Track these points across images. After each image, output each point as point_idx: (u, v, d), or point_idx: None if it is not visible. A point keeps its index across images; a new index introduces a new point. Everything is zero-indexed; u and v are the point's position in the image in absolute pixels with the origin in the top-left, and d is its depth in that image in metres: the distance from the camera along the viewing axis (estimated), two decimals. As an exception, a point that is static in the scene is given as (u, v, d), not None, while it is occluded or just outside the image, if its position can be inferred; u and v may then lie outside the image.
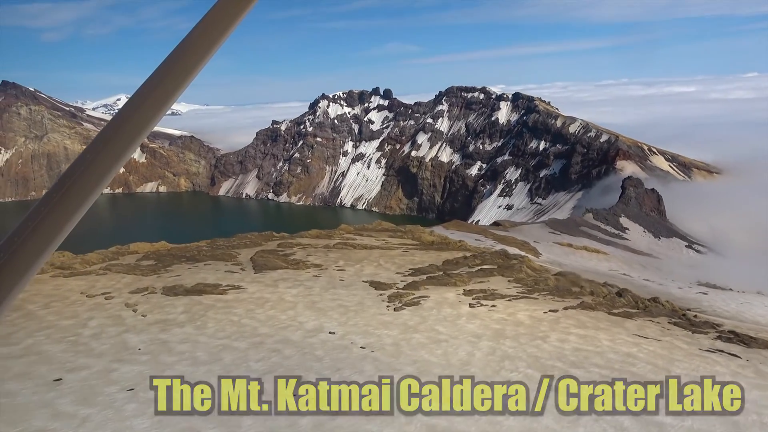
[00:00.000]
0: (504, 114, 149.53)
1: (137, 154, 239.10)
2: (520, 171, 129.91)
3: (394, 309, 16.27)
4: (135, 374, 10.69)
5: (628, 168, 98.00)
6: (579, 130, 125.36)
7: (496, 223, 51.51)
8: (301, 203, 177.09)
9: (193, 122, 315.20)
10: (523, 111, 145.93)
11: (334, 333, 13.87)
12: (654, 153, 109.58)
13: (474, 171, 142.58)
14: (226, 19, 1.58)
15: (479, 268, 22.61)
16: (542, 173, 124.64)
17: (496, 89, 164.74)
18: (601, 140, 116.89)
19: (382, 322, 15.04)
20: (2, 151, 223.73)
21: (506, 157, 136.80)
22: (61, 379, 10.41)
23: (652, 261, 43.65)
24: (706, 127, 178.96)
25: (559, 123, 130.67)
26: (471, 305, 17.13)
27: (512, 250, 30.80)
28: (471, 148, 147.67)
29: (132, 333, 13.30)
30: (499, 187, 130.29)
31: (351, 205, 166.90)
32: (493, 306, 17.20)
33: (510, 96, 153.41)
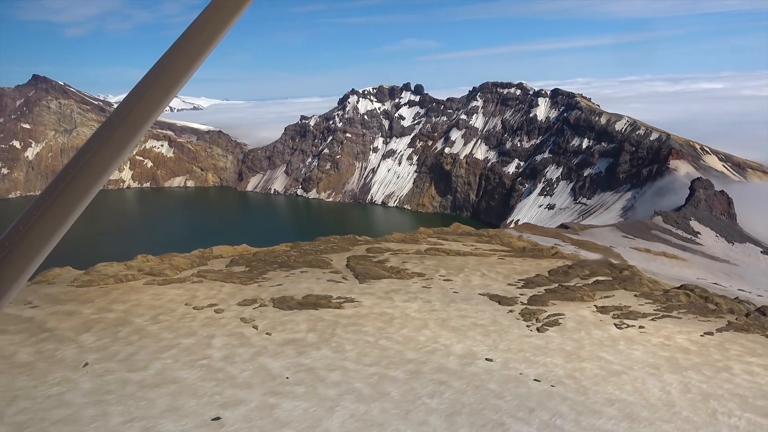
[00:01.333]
0: (543, 110, 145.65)
1: (165, 149, 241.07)
2: (561, 169, 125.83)
3: (537, 330, 14.54)
4: (302, 413, 9.15)
5: (682, 168, 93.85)
6: (626, 128, 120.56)
7: (563, 226, 49.25)
8: (330, 200, 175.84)
9: (215, 117, 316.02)
10: (563, 107, 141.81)
11: (491, 360, 12.22)
12: (707, 152, 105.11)
13: (511, 169, 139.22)
14: (223, 15, 1.62)
15: (594, 279, 20.71)
16: (586, 172, 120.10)
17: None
18: (651, 138, 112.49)
19: (535, 346, 13.32)
20: (33, 145, 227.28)
21: (546, 154, 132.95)
22: (219, 417, 8.89)
23: (732, 268, 41.02)
24: (745, 124, 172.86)
25: (603, 120, 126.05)
26: (617, 326, 15.31)
27: (595, 256, 28.74)
28: (508, 145, 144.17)
29: (267, 356, 11.78)
30: (539, 186, 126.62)
31: (382, 202, 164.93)
32: (642, 328, 15.36)
33: (548, 92, 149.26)
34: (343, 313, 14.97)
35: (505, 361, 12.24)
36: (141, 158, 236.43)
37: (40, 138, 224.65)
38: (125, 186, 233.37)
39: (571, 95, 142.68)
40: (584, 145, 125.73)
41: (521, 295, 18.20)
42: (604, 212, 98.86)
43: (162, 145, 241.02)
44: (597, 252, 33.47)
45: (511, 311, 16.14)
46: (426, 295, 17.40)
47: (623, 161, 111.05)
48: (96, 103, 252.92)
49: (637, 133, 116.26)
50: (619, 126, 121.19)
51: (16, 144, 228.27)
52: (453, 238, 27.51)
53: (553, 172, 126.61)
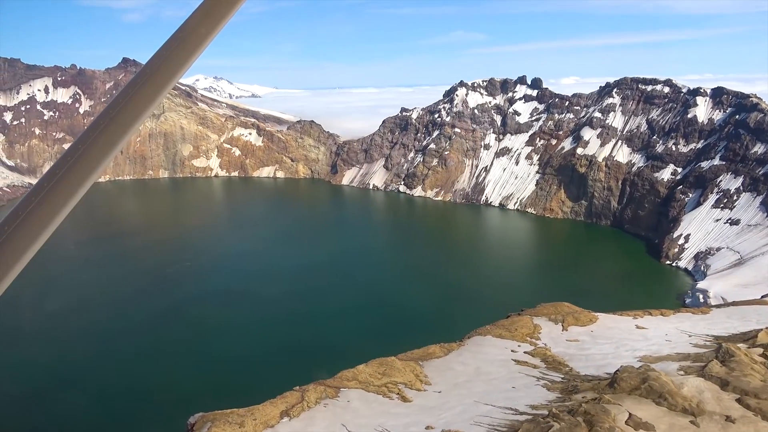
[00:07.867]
0: (703, 111, 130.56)
1: (253, 137, 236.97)
2: (742, 179, 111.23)
3: None
4: None
5: None
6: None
7: None
8: (439, 198, 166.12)
9: (276, 105, 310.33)
10: (731, 108, 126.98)
11: None
12: None
13: (666, 175, 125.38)
14: (218, 12, 1.63)
15: None
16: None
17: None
18: None
19: None
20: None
21: (716, 161, 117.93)
22: None
23: None
24: None
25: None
26: None
27: None
28: (659, 148, 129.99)
29: None
30: (712, 197, 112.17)
31: (500, 204, 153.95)
32: None
33: (708, 91, 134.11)
34: None
35: None
36: (229, 146, 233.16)
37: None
38: (213, 174, 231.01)
39: (741, 95, 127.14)
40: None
41: None
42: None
43: (250, 134, 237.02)
44: None
45: None
46: None
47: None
48: (183, 88, 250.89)
49: None
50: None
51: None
52: None
53: (729, 182, 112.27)
